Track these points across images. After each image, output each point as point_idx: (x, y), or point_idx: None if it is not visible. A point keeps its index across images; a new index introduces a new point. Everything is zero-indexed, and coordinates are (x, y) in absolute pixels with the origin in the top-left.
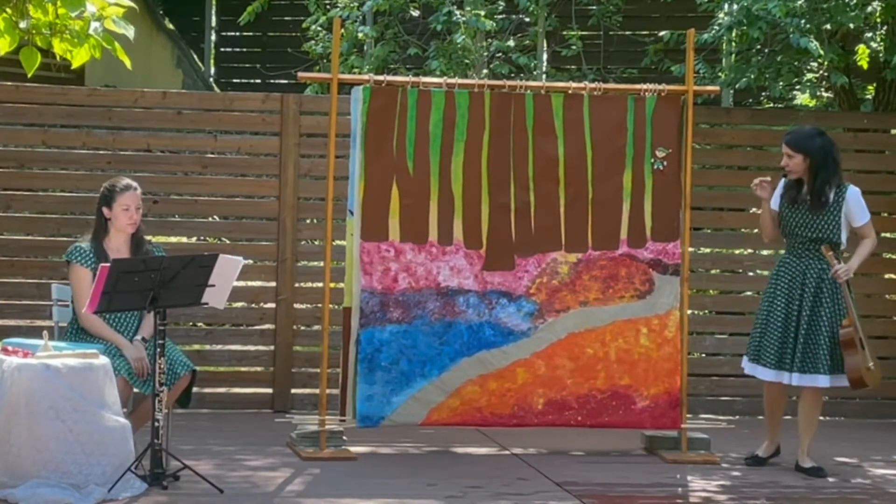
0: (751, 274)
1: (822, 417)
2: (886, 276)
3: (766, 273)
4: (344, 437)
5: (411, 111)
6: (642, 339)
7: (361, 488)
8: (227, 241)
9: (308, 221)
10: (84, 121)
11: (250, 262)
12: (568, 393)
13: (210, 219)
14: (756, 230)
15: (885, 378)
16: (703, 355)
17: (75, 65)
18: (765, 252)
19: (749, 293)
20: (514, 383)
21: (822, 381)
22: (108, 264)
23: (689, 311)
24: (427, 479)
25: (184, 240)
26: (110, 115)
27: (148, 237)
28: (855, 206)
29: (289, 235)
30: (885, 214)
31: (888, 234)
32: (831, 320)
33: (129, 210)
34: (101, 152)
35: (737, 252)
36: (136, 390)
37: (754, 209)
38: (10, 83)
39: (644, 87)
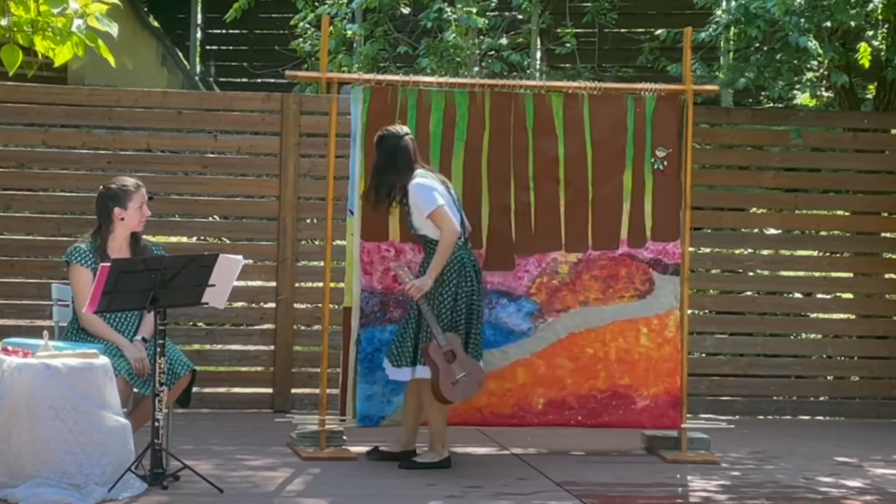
0: (751, 274)
1: (821, 417)
2: (886, 276)
3: (766, 273)
4: (344, 437)
5: (411, 111)
6: (642, 338)
7: (361, 488)
8: (227, 241)
9: (308, 221)
10: (84, 121)
11: (250, 261)
12: (568, 393)
13: (210, 219)
14: (756, 230)
15: (886, 378)
16: (703, 355)
17: (58, 63)
18: (765, 252)
19: (749, 293)
20: (514, 383)
21: (403, 373)
22: (107, 264)
23: (689, 311)
24: (427, 479)
25: (184, 240)
26: (110, 115)
27: (148, 237)
28: (414, 198)
29: (289, 235)
30: (885, 214)
31: (888, 234)
32: (418, 315)
33: (142, 208)
34: (101, 152)
35: (737, 252)
36: (136, 390)
37: (754, 209)
38: (10, 83)
39: (644, 86)
